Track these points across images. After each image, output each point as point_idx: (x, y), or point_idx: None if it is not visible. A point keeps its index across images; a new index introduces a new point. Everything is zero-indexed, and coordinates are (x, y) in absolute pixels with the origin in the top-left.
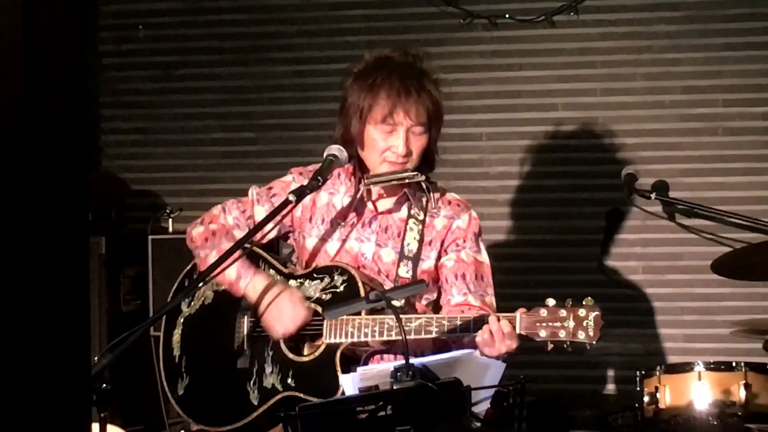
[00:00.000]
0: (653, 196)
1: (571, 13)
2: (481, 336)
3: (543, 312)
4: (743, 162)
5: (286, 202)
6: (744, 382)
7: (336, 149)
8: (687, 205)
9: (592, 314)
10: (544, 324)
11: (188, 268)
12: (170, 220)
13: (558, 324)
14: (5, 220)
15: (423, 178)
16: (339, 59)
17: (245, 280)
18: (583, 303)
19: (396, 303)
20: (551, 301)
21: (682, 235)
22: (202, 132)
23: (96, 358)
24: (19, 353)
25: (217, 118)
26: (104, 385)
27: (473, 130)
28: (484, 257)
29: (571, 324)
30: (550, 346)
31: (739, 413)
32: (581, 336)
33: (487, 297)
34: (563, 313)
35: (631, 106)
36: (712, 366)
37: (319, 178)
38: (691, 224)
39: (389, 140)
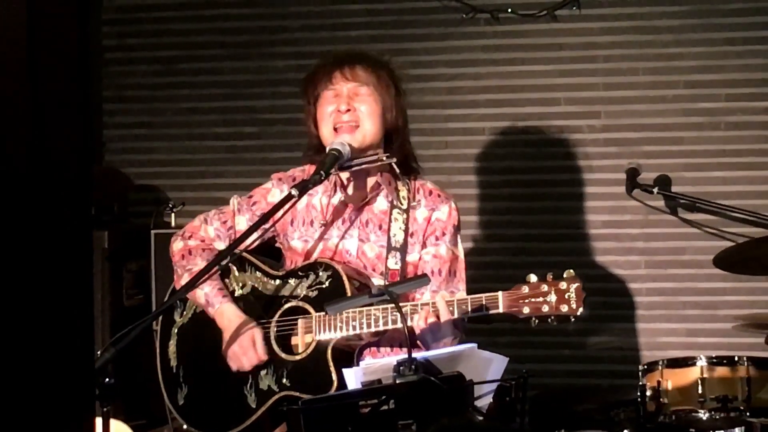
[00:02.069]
0: (656, 190)
1: (574, 8)
2: (425, 318)
3: (524, 289)
4: (746, 156)
5: (289, 197)
6: (746, 376)
7: (338, 144)
8: (689, 199)
9: (573, 286)
10: (527, 300)
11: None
12: (173, 215)
13: (540, 299)
14: (9, 215)
15: (393, 159)
16: None
17: (213, 308)
18: (564, 276)
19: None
20: (533, 277)
21: (684, 229)
22: (205, 126)
23: (99, 353)
24: (22, 348)
25: (219, 113)
26: (107, 379)
27: (476, 124)
28: (460, 251)
29: (553, 298)
30: (536, 322)
31: (741, 408)
32: (564, 309)
33: (457, 294)
34: (544, 287)
35: (634, 101)
36: (714, 360)
37: (322, 172)
38: (693, 219)
39: (333, 103)
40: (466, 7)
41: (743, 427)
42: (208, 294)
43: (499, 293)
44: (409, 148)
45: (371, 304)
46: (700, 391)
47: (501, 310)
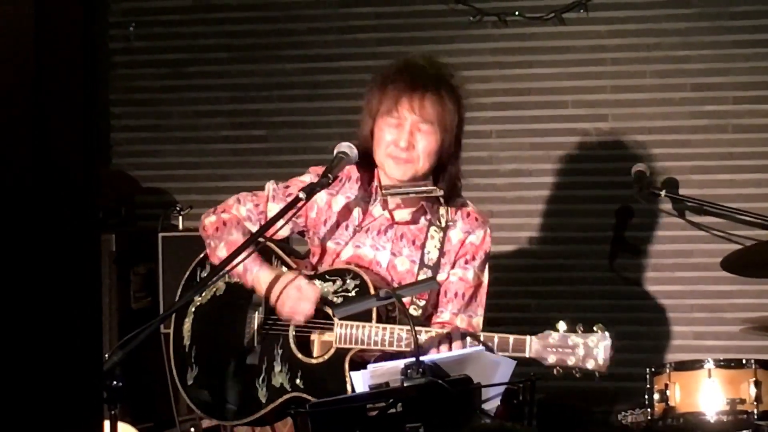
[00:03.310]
0: (663, 193)
1: (581, 11)
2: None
3: (554, 337)
4: (753, 159)
5: (297, 200)
6: (754, 379)
7: (346, 146)
8: (697, 202)
9: (602, 343)
10: (554, 350)
11: (201, 256)
12: (180, 218)
13: (568, 350)
14: (16, 219)
15: (441, 193)
16: (349, 57)
17: (251, 273)
18: (594, 329)
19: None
20: (562, 326)
21: (691, 232)
22: (212, 129)
23: (107, 356)
24: (31, 351)
25: (226, 116)
26: (115, 382)
27: (483, 127)
28: (486, 277)
29: (581, 352)
30: (559, 371)
31: (750, 410)
32: (590, 365)
33: (475, 318)
34: (573, 340)
35: (641, 104)
36: (722, 363)
37: (329, 175)
38: (701, 221)
39: (394, 134)
40: (473, 10)
41: (751, 430)
42: (246, 262)
43: (527, 338)
44: (459, 173)
45: (388, 315)
46: (707, 394)
47: (527, 355)
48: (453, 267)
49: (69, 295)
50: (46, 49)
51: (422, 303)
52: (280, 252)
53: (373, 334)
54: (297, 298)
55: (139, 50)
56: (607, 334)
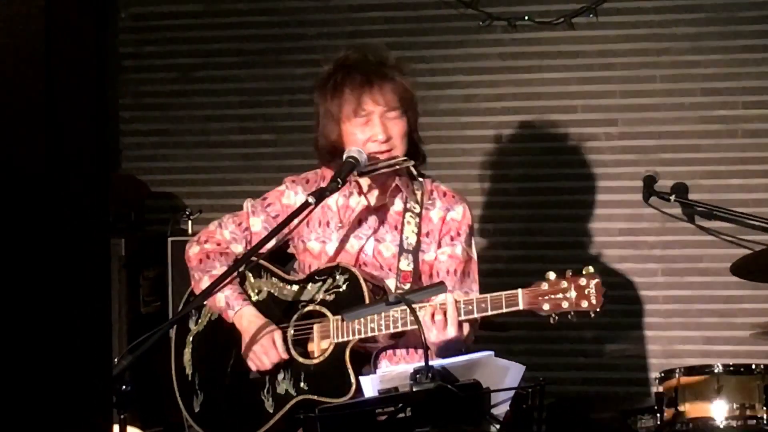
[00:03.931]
0: (673, 198)
1: (590, 15)
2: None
3: (544, 285)
4: (763, 164)
5: (306, 205)
6: (764, 384)
7: (356, 151)
8: (707, 207)
9: (593, 281)
10: (546, 297)
11: (192, 282)
12: (189, 222)
13: (560, 295)
14: (26, 223)
15: (412, 162)
16: None
17: (233, 310)
18: (583, 272)
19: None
20: (552, 274)
21: (701, 237)
22: (222, 134)
23: (116, 360)
24: (41, 355)
25: (236, 120)
26: (124, 386)
27: (492, 132)
28: (474, 252)
29: (573, 294)
30: (555, 319)
31: (759, 415)
32: (584, 304)
33: (471, 294)
34: (564, 284)
35: (651, 108)
36: (731, 369)
37: (339, 179)
38: (710, 226)
39: (366, 131)
40: (483, 15)
41: None
42: (228, 297)
43: (519, 290)
44: (418, 137)
45: (368, 294)
46: (717, 399)
47: (521, 306)
48: (439, 246)
49: (78, 300)
50: (57, 55)
51: (407, 286)
52: (268, 265)
53: (369, 321)
54: (260, 352)
55: (149, 55)
56: (596, 273)
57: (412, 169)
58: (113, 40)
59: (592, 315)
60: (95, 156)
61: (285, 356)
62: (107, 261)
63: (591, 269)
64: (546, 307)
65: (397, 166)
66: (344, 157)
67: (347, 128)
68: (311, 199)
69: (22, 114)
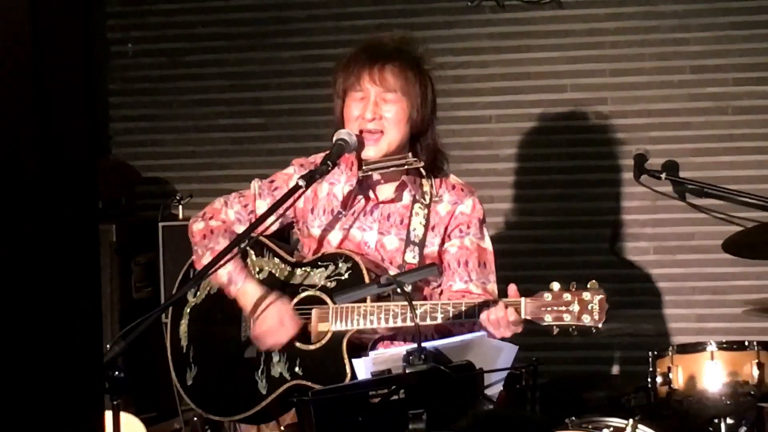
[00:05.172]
0: (663, 176)
1: None
2: (487, 317)
3: (547, 296)
4: (753, 141)
5: (296, 188)
6: (756, 361)
7: (345, 133)
8: (697, 184)
9: (597, 297)
10: (549, 309)
11: (193, 257)
12: (180, 207)
13: (563, 308)
14: (15, 209)
15: (421, 164)
16: (347, 43)
17: (235, 286)
18: (588, 286)
19: (407, 288)
20: (555, 285)
21: (692, 215)
22: (211, 118)
23: (108, 346)
24: (31, 342)
25: (225, 105)
26: (117, 372)
27: (482, 112)
28: (488, 244)
29: (576, 308)
30: (556, 330)
31: (752, 392)
32: (586, 320)
33: (489, 284)
34: (567, 297)
35: (640, 87)
36: (724, 345)
37: (329, 162)
38: (701, 204)
39: (360, 108)
40: None
41: (754, 412)
42: (231, 272)
43: (522, 299)
44: (437, 144)
45: (380, 294)
46: (710, 377)
47: (523, 316)
48: (449, 239)
49: (69, 286)
50: (44, 41)
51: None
52: (272, 245)
53: (368, 313)
54: (276, 327)
55: (137, 40)
56: (601, 289)
57: (422, 170)
58: (101, 26)
59: (593, 331)
60: (84, 142)
61: (301, 324)
62: (97, 247)
63: (596, 284)
64: (548, 318)
65: (406, 167)
66: (333, 139)
67: (347, 103)
68: (302, 182)
69: (9, 100)
